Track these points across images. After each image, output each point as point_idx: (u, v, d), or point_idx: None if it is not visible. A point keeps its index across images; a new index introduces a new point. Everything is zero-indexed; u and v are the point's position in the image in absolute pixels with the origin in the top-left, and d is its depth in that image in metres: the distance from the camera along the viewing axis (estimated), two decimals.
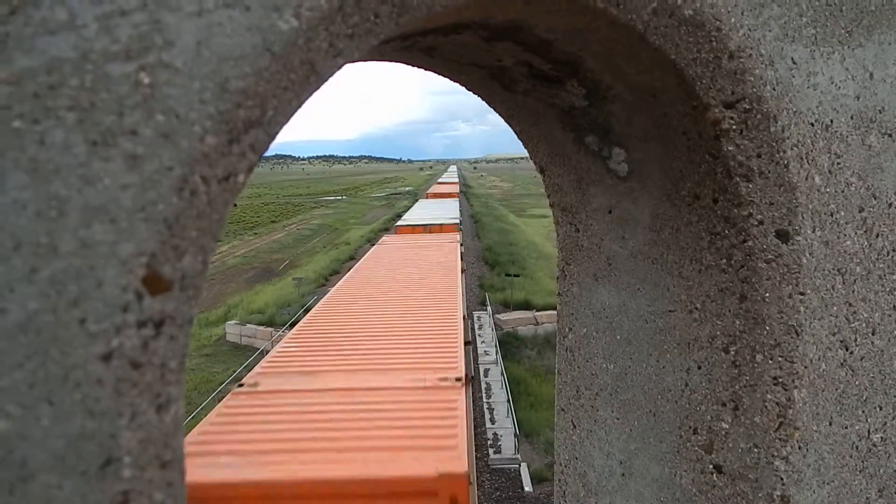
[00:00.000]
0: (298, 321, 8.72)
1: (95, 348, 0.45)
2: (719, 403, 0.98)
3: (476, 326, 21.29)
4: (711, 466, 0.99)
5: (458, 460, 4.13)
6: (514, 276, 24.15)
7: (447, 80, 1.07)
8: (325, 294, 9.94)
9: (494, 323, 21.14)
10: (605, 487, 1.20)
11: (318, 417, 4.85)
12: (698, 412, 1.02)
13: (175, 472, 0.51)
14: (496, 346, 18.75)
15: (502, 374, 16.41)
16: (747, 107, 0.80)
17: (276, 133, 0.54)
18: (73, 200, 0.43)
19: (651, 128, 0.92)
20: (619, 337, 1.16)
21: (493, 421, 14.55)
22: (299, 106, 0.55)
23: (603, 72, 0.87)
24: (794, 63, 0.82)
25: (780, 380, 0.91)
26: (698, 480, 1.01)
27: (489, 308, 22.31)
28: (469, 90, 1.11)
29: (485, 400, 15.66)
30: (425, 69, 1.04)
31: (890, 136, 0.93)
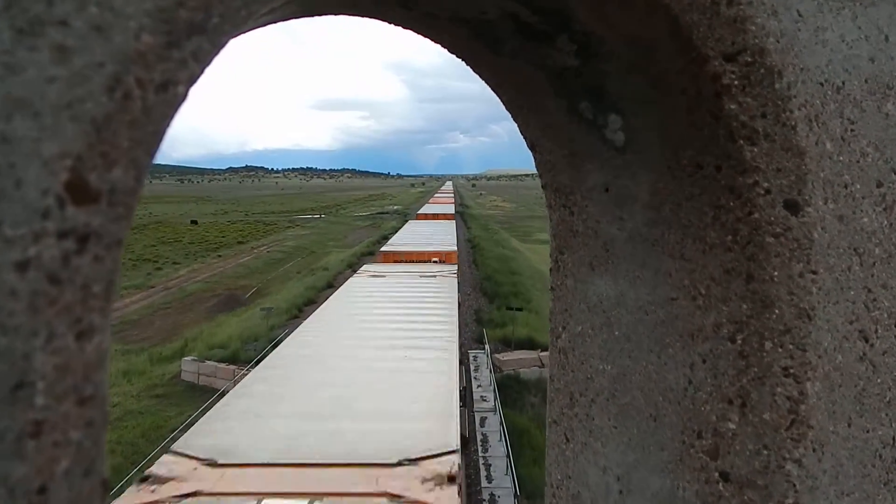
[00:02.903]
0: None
1: (11, 255, 0.47)
2: (725, 401, 1.00)
3: (472, 368, 21.17)
4: (717, 474, 1.01)
5: None
6: (517, 309, 24.12)
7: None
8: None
9: (493, 364, 21.04)
10: None
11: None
12: (703, 413, 1.04)
13: (96, 411, 0.53)
14: (494, 392, 18.62)
15: (501, 424, 16.26)
16: (749, 59, 0.84)
17: (222, 45, 0.57)
18: None
19: (648, 88, 0.96)
20: (617, 333, 1.19)
21: (489, 479, 14.36)
22: (249, 17, 0.59)
23: (594, 23, 0.91)
24: (801, 15, 0.86)
25: (792, 370, 0.93)
26: (703, 492, 1.02)
27: (487, 347, 22.22)
28: (452, 53, 1.16)
29: (480, 454, 15.47)
30: (402, 26, 1.09)
31: None
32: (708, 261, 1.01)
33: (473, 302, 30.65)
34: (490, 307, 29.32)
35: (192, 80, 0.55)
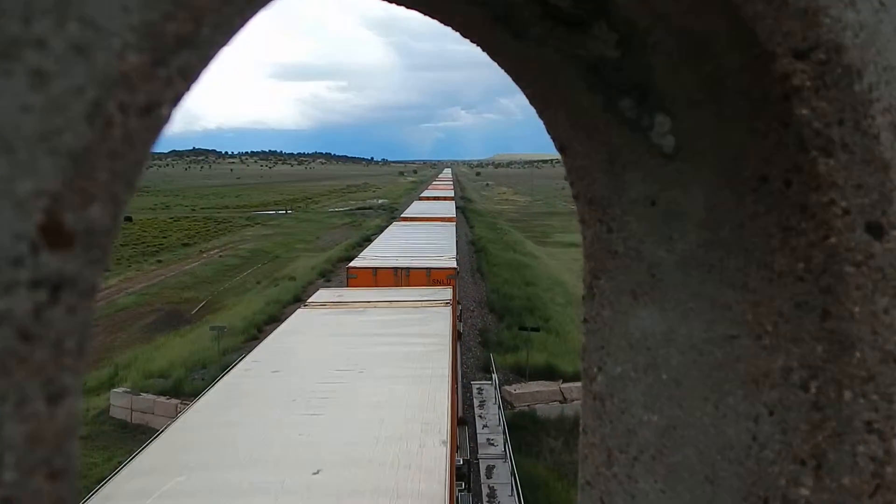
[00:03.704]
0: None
1: None
2: (797, 462, 1.05)
3: (476, 403, 21.23)
4: None
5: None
6: (533, 329, 24.20)
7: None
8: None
9: (502, 398, 21.11)
10: None
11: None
12: (769, 475, 1.08)
13: (66, 487, 0.57)
14: (504, 434, 18.68)
15: (512, 473, 16.32)
16: (823, 57, 0.89)
17: (211, 58, 0.62)
18: None
19: (703, 87, 1.01)
20: (665, 377, 1.23)
21: None
22: (242, 24, 0.64)
23: (638, 10, 0.96)
24: (882, 4, 0.91)
25: (876, 426, 0.98)
26: None
27: (495, 377, 22.31)
28: (466, 37, 1.21)
29: None
30: (406, 6, 1.14)
31: None
32: (775, 292, 1.06)
33: (478, 320, 30.71)
34: (499, 327, 29.37)
35: (177, 100, 0.60)
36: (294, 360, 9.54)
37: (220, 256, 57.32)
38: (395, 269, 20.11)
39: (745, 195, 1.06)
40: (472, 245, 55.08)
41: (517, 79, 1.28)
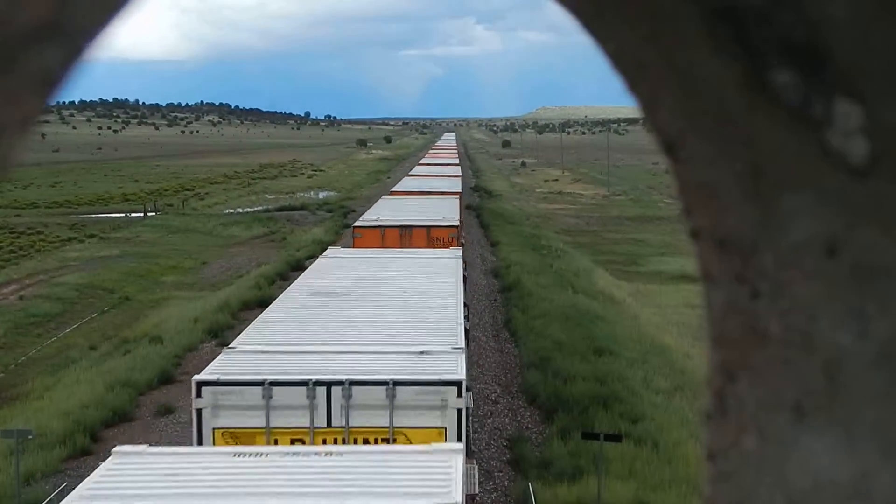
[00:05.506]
0: None
1: None
2: None
3: None
4: None
5: None
6: (610, 439, 23.94)
7: None
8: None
9: None
10: None
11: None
12: None
13: None
14: None
15: None
16: None
17: (82, 51, 0.69)
18: None
19: None
20: None
21: None
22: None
23: None
24: None
25: None
26: None
27: None
28: None
29: None
30: None
31: None
32: None
33: (506, 418, 30.37)
34: (545, 432, 29.06)
35: (28, 122, 0.67)
36: None
37: (21, 298, 57.10)
38: None
39: None
40: (496, 278, 54.58)
41: (588, 24, 1.33)
